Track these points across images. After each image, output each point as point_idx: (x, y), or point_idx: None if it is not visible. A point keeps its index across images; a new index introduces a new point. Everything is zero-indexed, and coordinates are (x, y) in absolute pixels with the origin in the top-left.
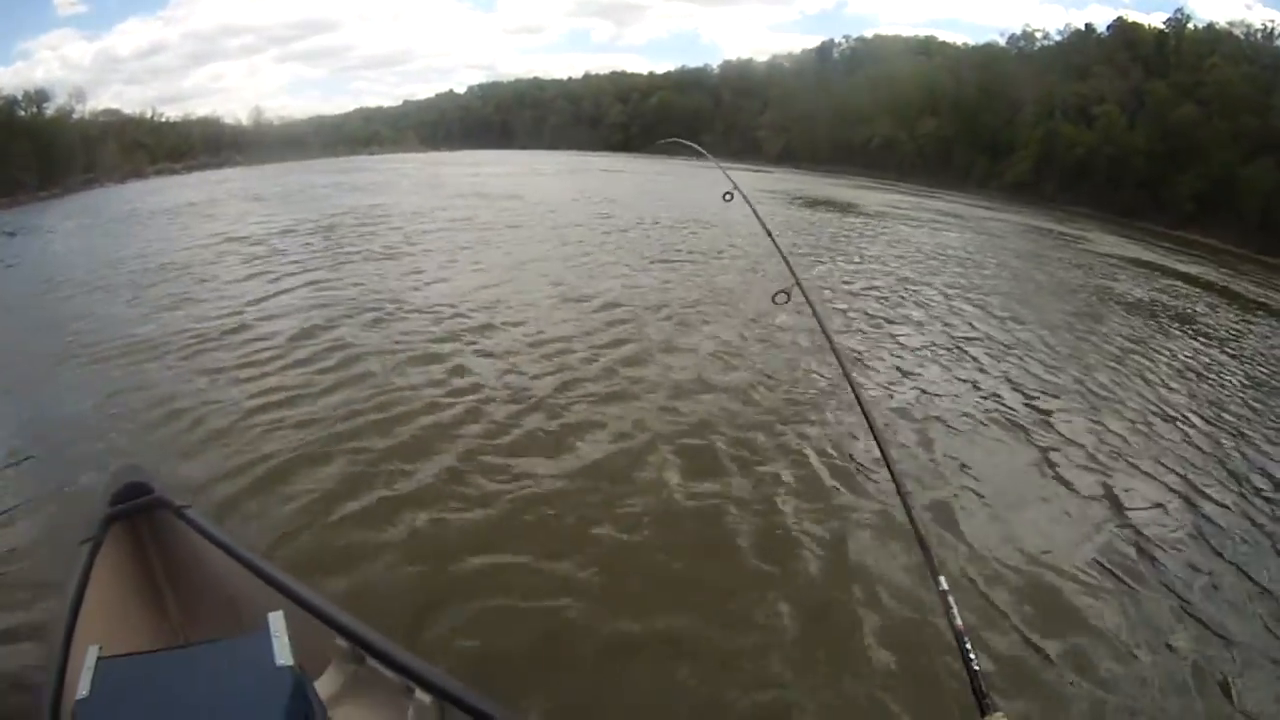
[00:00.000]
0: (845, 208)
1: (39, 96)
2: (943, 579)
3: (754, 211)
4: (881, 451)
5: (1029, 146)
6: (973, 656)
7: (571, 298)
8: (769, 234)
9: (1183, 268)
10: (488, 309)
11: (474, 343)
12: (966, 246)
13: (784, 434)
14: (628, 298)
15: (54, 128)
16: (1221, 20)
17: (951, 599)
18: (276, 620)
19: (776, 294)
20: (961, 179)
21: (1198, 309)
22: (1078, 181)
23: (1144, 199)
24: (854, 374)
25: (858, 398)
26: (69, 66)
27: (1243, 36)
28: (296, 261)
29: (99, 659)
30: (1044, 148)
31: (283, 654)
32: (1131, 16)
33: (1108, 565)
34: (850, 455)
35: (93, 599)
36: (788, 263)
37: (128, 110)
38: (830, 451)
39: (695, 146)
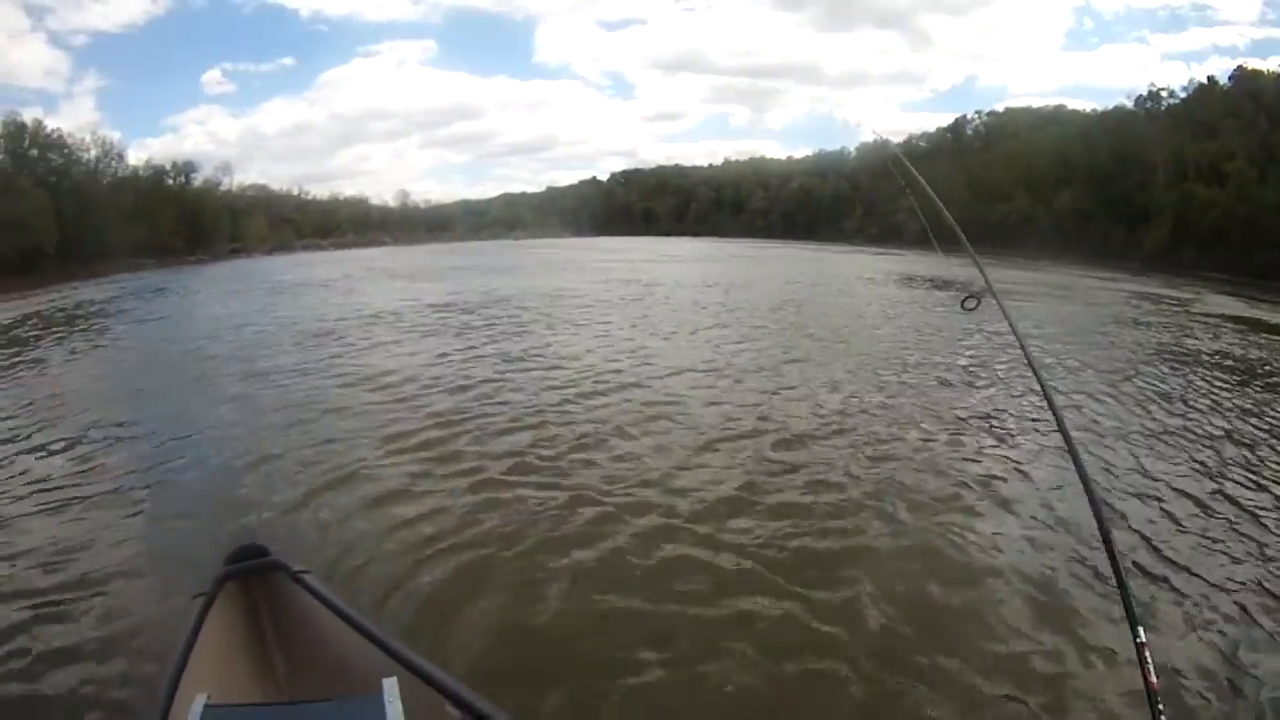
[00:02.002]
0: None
1: (186, 167)
2: (1141, 630)
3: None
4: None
5: (1163, 213)
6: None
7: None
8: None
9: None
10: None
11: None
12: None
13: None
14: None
15: (201, 197)
16: None
17: (1148, 653)
18: (391, 686)
19: (966, 299)
20: (1099, 251)
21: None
22: (1215, 245)
23: (1277, 260)
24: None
25: (1063, 431)
26: (216, 141)
27: None
28: (459, 334)
29: (206, 705)
30: (1179, 212)
31: (394, 718)
32: (1250, 64)
33: None
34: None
35: (203, 651)
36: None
37: (274, 186)
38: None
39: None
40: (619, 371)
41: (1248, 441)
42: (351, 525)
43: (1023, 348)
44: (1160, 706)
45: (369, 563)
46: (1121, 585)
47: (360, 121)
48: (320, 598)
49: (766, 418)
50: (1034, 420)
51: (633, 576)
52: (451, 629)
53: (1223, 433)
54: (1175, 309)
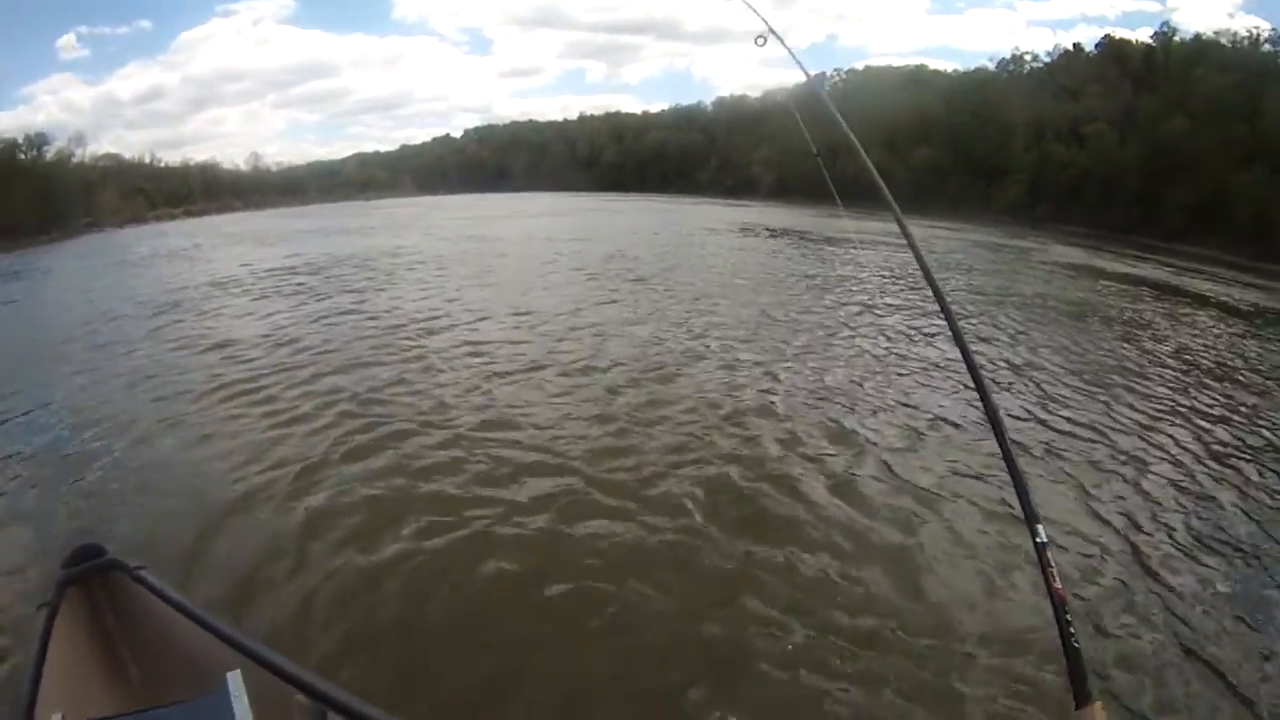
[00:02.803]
0: (802, 236)
1: (39, 140)
2: (1041, 529)
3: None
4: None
5: (1022, 170)
6: (1073, 631)
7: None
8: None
9: (1116, 266)
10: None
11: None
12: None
13: None
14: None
15: (54, 171)
16: (1207, 30)
17: (1051, 554)
18: (235, 680)
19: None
20: (956, 205)
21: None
22: (1071, 202)
23: (1136, 215)
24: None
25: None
26: (70, 110)
27: (1229, 45)
28: (285, 295)
29: None
30: (1037, 170)
31: (242, 714)
32: (1119, 33)
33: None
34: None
35: (54, 665)
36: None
37: (128, 155)
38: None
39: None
40: (435, 318)
41: (1048, 374)
42: (180, 495)
43: (927, 276)
44: (1068, 615)
45: (200, 536)
46: (1018, 484)
47: (215, 84)
48: (160, 594)
49: (553, 351)
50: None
51: (453, 509)
52: (283, 594)
53: (1024, 362)
54: (1012, 257)
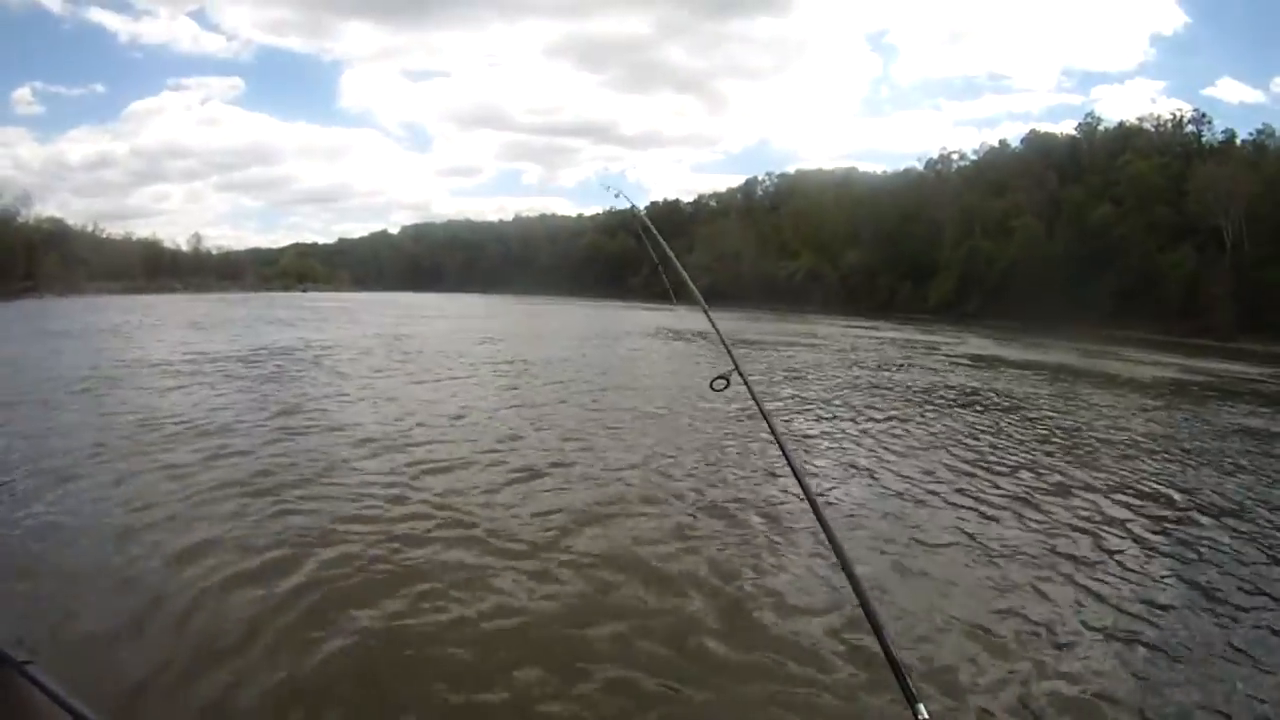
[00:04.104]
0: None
1: None
2: (922, 708)
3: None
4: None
5: (951, 268)
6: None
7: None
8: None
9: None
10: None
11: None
12: (815, 362)
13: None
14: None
15: None
16: (1131, 117)
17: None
18: None
19: (715, 380)
20: (886, 306)
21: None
22: (1001, 296)
23: (1064, 304)
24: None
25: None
26: (19, 167)
27: (1153, 129)
28: (212, 384)
29: None
30: (966, 267)
31: None
32: (1044, 127)
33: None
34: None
35: None
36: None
37: (72, 221)
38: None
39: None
40: (346, 408)
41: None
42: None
43: (769, 423)
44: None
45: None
46: (892, 662)
47: (161, 158)
48: (50, 694)
49: (428, 441)
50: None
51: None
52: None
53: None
54: (924, 351)
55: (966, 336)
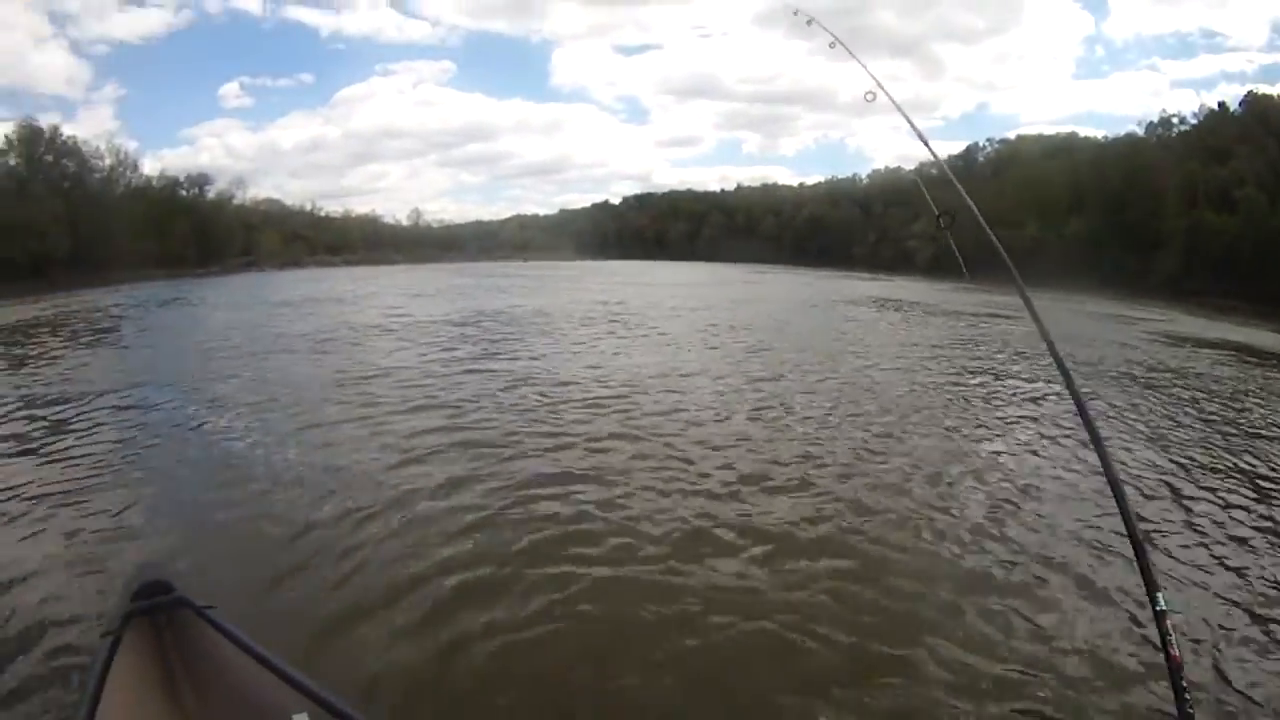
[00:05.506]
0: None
1: (200, 179)
2: (1161, 597)
3: None
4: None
5: (1175, 239)
6: (1188, 697)
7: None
8: None
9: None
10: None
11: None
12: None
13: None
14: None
15: (214, 210)
16: None
17: (1170, 623)
18: None
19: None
20: (1111, 279)
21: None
22: (1226, 272)
23: None
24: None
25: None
26: (232, 155)
27: None
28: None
29: None
30: (1190, 239)
31: None
32: (1260, 89)
33: None
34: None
35: (111, 694)
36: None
37: (289, 202)
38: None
39: None
40: (570, 374)
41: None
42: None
43: (1047, 341)
44: (1184, 682)
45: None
46: (1138, 551)
47: (376, 140)
48: (228, 634)
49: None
50: (1038, 401)
51: (551, 547)
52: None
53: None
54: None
55: (1178, 315)
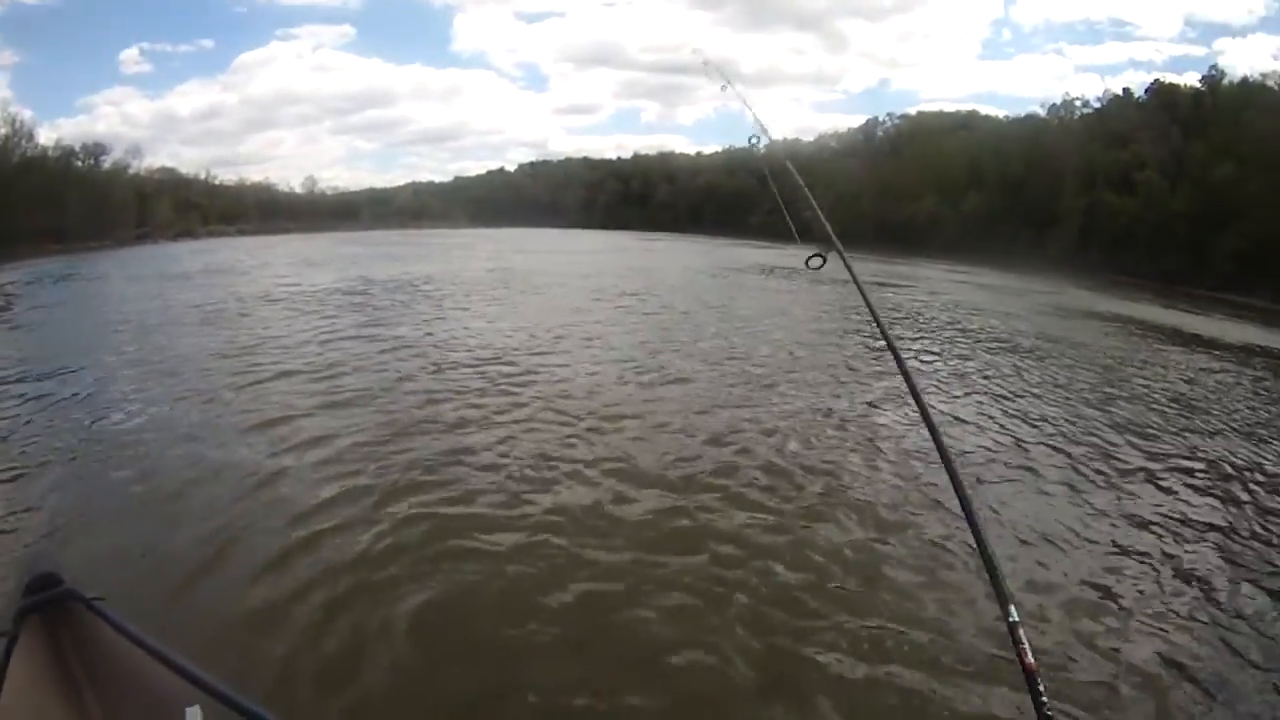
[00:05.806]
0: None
1: (96, 149)
2: (1013, 609)
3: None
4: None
5: (1073, 218)
6: (1045, 700)
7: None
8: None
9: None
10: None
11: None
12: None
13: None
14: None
15: (109, 181)
16: (1254, 73)
17: (1022, 633)
18: (193, 716)
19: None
20: (1006, 252)
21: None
22: (1122, 250)
23: (1185, 264)
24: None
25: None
26: (129, 123)
27: (1276, 87)
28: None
29: None
30: (1088, 218)
31: None
32: (1168, 78)
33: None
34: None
35: (10, 698)
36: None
37: (183, 170)
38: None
39: None
40: (450, 338)
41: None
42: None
43: (873, 313)
44: (1041, 687)
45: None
46: (989, 564)
47: (273, 106)
48: (118, 627)
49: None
50: (878, 387)
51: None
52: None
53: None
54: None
55: (1066, 287)
